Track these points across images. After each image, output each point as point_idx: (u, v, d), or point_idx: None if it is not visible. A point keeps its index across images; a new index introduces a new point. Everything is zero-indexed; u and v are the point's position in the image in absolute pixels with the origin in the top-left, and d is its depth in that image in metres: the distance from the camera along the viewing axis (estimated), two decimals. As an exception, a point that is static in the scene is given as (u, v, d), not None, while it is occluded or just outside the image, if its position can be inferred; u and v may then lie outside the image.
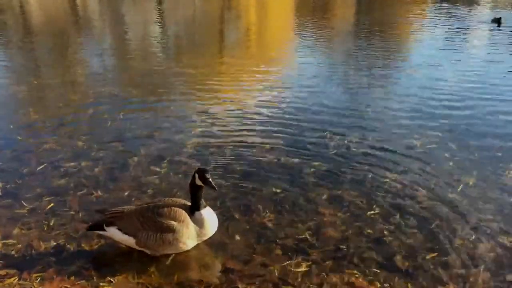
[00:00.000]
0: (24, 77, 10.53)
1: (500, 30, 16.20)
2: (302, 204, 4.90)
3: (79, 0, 29.03)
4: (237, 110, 7.94)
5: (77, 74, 10.76)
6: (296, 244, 4.24)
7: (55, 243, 4.24)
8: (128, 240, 3.96)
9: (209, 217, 3.96)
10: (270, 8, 28.33)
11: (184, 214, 3.88)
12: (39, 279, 3.79)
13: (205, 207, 3.95)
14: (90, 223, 4.11)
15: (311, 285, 3.75)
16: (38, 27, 19.36)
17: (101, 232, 4.10)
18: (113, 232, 3.98)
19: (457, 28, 16.98)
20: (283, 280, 3.80)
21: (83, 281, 3.77)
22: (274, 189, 5.19)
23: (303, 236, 4.36)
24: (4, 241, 4.27)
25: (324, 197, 5.04)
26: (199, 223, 3.91)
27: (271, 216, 4.68)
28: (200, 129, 7.01)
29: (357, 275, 3.85)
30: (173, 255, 4.04)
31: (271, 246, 4.22)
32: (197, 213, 3.91)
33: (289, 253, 4.11)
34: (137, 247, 3.98)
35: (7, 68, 11.68)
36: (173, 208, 3.88)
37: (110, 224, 3.99)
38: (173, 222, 3.83)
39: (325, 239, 4.32)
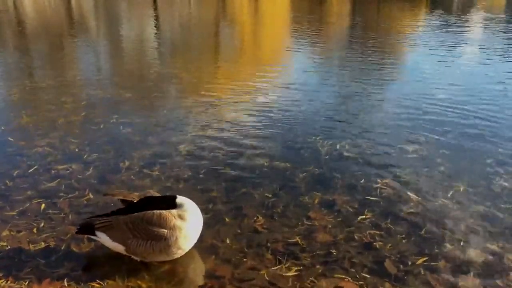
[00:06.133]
0: (16, 79, 10.49)
1: (495, 38, 16.34)
2: (293, 209, 4.91)
3: (74, 3, 29.01)
4: (230, 114, 7.95)
5: (70, 77, 10.74)
6: (286, 248, 4.24)
7: (44, 246, 4.22)
8: (117, 247, 3.93)
9: (191, 208, 3.95)
10: (264, 14, 28.43)
11: (173, 219, 3.83)
12: (28, 282, 3.77)
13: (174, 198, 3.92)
14: (79, 226, 4.07)
15: (301, 289, 3.75)
16: (31, 29, 19.30)
17: (90, 236, 4.07)
18: (103, 238, 3.95)
19: (452, 36, 17.11)
20: (273, 284, 3.79)
21: (72, 283, 3.74)
22: (265, 193, 5.20)
23: (294, 240, 4.36)
24: (-7, 243, 4.25)
25: (316, 201, 5.05)
26: (190, 220, 3.89)
27: (262, 220, 4.68)
28: (193, 133, 7.01)
29: (347, 280, 3.85)
30: (163, 258, 4.03)
31: (261, 250, 4.22)
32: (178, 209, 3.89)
33: (280, 257, 4.11)
34: (126, 254, 3.96)
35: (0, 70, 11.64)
36: (162, 214, 3.83)
37: (99, 228, 3.96)
38: (163, 230, 3.79)
39: (315, 243, 4.32)
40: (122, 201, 3.97)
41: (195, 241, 4.02)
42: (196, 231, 3.97)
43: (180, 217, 3.84)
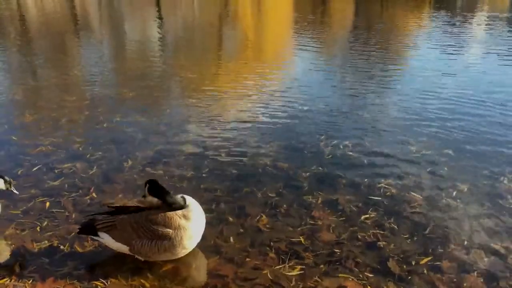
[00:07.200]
0: (20, 78, 10.52)
1: (500, 39, 16.30)
2: (297, 208, 4.90)
3: (77, 2, 29.07)
4: (234, 113, 7.95)
5: (73, 76, 10.77)
6: (290, 248, 4.23)
7: (48, 244, 4.23)
8: (121, 248, 3.92)
9: (198, 209, 3.96)
10: (267, 14, 28.43)
11: (178, 219, 3.82)
12: (31, 280, 3.78)
13: (184, 200, 3.92)
14: (80, 226, 4.06)
15: (304, 289, 3.75)
16: (35, 29, 19.34)
17: (93, 237, 4.06)
18: (106, 239, 3.94)
19: (456, 36, 17.06)
20: (276, 283, 3.79)
21: (76, 282, 3.76)
22: (268, 193, 5.20)
23: (297, 239, 4.36)
24: (-3, 241, 4.26)
25: (319, 201, 5.04)
26: (194, 220, 3.89)
27: (265, 219, 4.68)
28: (196, 132, 7.02)
29: (350, 279, 3.84)
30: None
31: (265, 249, 4.21)
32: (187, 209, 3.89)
33: (283, 257, 4.10)
34: (130, 253, 3.95)
35: (3, 69, 11.68)
36: (167, 214, 3.83)
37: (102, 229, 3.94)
38: (168, 230, 3.78)
39: (319, 243, 4.32)
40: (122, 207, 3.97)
41: (198, 240, 4.02)
42: (199, 230, 3.98)
43: (185, 217, 3.84)
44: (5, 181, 4.40)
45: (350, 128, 7.23)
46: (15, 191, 4.51)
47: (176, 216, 3.82)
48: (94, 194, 5.12)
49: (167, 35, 18.52)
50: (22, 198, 5.00)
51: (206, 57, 13.52)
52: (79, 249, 4.18)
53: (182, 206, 3.89)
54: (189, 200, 3.96)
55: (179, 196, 3.97)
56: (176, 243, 3.80)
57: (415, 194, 5.20)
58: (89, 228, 3.99)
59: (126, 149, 6.36)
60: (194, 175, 5.63)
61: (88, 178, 5.50)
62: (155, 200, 4.02)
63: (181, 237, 3.79)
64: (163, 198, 3.86)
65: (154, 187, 3.88)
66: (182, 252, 3.93)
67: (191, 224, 3.84)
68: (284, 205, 4.95)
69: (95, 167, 5.78)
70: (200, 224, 3.96)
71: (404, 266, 4.02)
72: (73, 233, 4.36)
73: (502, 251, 4.25)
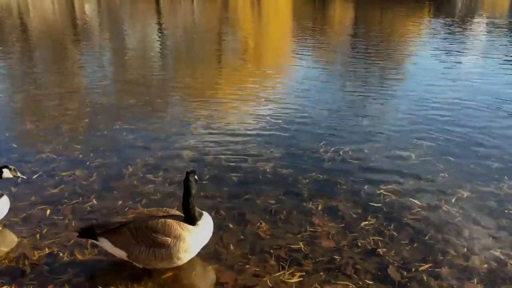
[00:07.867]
0: (21, 85, 10.55)
1: (499, 44, 16.34)
2: (297, 215, 4.90)
3: (78, 11, 29.18)
4: (234, 120, 7.97)
5: (74, 84, 10.80)
6: (289, 255, 4.23)
7: (48, 252, 4.23)
8: (119, 253, 3.91)
9: (207, 228, 3.95)
10: (267, 20, 28.51)
11: (179, 229, 3.82)
12: (31, 288, 3.78)
13: (201, 215, 3.92)
14: (80, 230, 4.05)
15: (304, 296, 3.74)
16: (36, 37, 19.42)
17: (92, 241, 4.05)
18: (105, 244, 3.93)
19: (455, 42, 17.12)
20: (276, 290, 3.80)
21: (75, 290, 3.76)
22: (268, 200, 5.20)
23: (297, 246, 4.36)
24: (-3, 249, 4.26)
25: (319, 207, 5.05)
26: (197, 235, 3.88)
27: (266, 226, 4.68)
28: (196, 139, 7.03)
29: (350, 286, 3.84)
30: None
31: (264, 256, 4.21)
32: (196, 226, 3.88)
33: (283, 264, 4.10)
34: (128, 260, 3.95)
35: (5, 76, 11.70)
36: (167, 222, 3.82)
37: (102, 234, 3.94)
38: (167, 238, 3.77)
39: (318, 249, 4.32)
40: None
41: (197, 251, 4.00)
42: (199, 244, 3.95)
43: (188, 229, 3.82)
44: (10, 169, 4.53)
45: (350, 135, 7.25)
46: (22, 176, 4.69)
47: (176, 225, 3.81)
48: (94, 201, 5.13)
49: (167, 41, 18.60)
50: (22, 206, 5.01)
51: (206, 64, 13.56)
52: (79, 257, 4.18)
53: (192, 221, 3.87)
54: (205, 219, 3.94)
55: (199, 210, 3.94)
56: (173, 253, 3.78)
57: (414, 201, 5.21)
58: (88, 232, 3.98)
59: (126, 156, 6.38)
60: (194, 182, 5.61)
61: (88, 185, 5.51)
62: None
63: (178, 248, 3.78)
64: (186, 201, 3.84)
65: (187, 180, 3.85)
66: (178, 262, 3.90)
67: (191, 237, 3.83)
68: (284, 212, 4.95)
69: (95, 174, 5.79)
70: (201, 242, 3.94)
71: (404, 273, 4.01)
72: (73, 240, 4.36)
73: (502, 257, 4.25)
